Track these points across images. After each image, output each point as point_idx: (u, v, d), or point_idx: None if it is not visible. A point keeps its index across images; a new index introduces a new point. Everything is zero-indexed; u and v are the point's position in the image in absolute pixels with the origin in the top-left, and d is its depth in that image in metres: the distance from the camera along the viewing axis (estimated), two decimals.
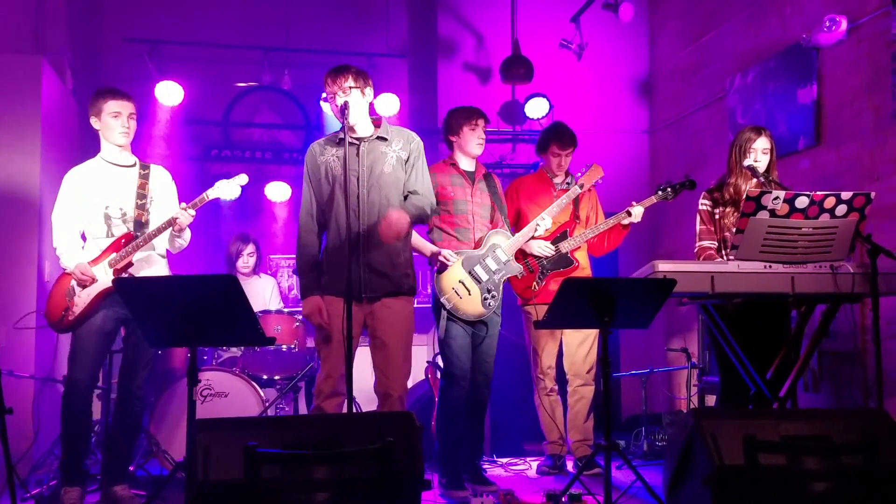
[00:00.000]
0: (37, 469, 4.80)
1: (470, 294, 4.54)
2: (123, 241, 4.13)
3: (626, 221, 4.93)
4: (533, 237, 4.82)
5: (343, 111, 3.79)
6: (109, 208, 4.19)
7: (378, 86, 7.39)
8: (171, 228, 4.12)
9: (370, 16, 7.72)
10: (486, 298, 4.57)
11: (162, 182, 4.37)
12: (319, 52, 7.24)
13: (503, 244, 4.68)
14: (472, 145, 4.73)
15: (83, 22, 7.00)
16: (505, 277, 4.68)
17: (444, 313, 4.52)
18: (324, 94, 3.97)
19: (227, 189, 4.20)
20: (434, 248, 4.57)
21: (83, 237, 4.26)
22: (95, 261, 4.13)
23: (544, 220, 4.76)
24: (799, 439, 3.04)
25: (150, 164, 4.37)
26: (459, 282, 4.54)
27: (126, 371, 4.24)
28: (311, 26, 7.58)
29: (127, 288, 3.35)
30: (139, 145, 6.40)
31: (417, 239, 4.58)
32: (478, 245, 4.65)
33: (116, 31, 7.18)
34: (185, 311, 3.23)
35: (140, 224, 4.18)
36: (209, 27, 7.34)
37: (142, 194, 4.23)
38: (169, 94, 6.58)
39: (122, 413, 4.24)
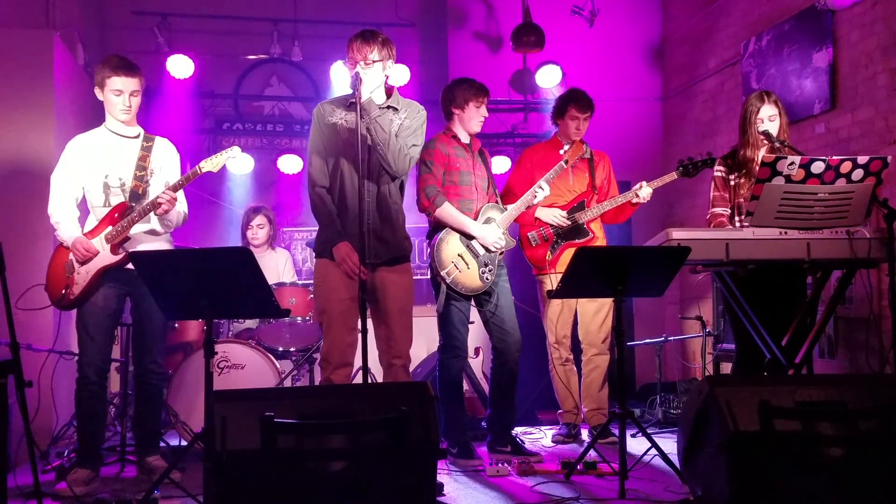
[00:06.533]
0: (57, 441, 4.85)
1: (468, 268, 4.52)
2: (117, 213, 4.07)
3: (634, 201, 4.93)
4: (533, 205, 4.77)
5: (355, 84, 3.73)
6: (109, 177, 4.15)
7: None
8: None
9: None
10: (483, 272, 4.55)
11: (165, 155, 4.31)
12: (329, 22, 7.19)
13: (497, 217, 4.65)
14: (474, 122, 4.67)
15: None
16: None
17: (443, 287, 4.50)
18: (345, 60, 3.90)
19: (213, 162, 4.05)
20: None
21: (85, 207, 4.21)
22: (92, 233, 4.08)
23: (542, 190, 4.67)
24: (814, 405, 3.03)
25: (155, 137, 4.32)
26: (459, 255, 4.52)
27: (137, 347, 4.26)
28: None
29: (142, 261, 3.36)
30: (148, 121, 6.41)
31: (457, 214, 4.51)
32: (474, 218, 4.60)
33: (126, 4, 7.15)
34: (201, 283, 3.25)
35: (137, 195, 4.12)
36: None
37: (142, 166, 4.18)
38: (180, 67, 6.59)
39: (140, 389, 4.28)
